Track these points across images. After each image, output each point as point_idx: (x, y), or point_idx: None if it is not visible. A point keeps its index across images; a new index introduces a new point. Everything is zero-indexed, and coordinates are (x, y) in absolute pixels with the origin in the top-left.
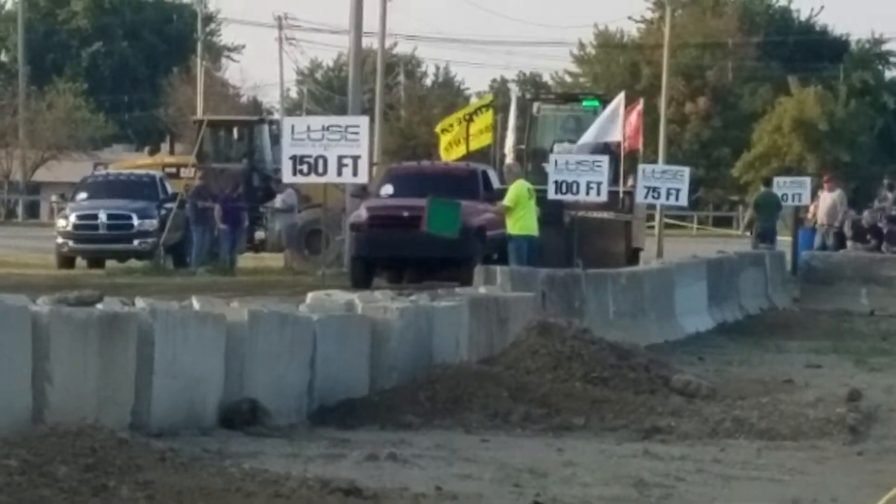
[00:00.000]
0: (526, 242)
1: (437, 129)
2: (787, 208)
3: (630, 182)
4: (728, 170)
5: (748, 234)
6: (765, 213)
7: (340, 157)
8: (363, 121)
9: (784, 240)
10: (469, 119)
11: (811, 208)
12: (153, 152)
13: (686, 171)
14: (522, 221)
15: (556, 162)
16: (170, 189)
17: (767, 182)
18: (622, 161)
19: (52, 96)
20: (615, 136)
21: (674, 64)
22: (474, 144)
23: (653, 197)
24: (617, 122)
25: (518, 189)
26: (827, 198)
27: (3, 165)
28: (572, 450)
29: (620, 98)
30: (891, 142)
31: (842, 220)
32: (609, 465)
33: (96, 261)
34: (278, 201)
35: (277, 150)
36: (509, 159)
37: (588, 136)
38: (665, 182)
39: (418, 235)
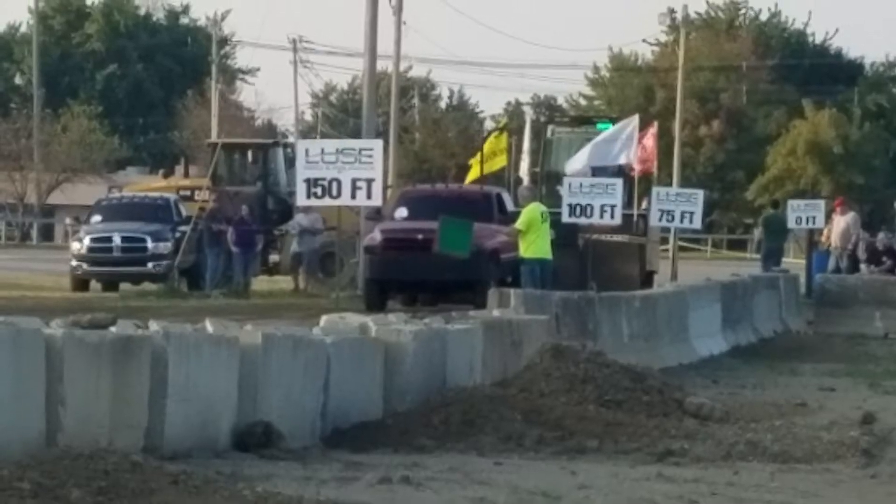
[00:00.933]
0: (539, 266)
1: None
2: (801, 231)
3: (644, 205)
4: (742, 193)
5: (757, 255)
6: (772, 235)
7: (354, 180)
8: (377, 144)
9: (797, 262)
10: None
11: (825, 231)
12: (167, 175)
13: (700, 194)
14: (535, 245)
15: (570, 185)
16: (184, 212)
17: (775, 204)
18: (636, 184)
19: (67, 119)
20: (629, 158)
21: (688, 87)
22: (489, 167)
23: (667, 220)
24: (632, 144)
25: (531, 212)
26: (840, 221)
27: (18, 188)
28: (586, 473)
29: (634, 121)
30: None
31: (855, 243)
32: (623, 488)
33: (110, 283)
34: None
35: (292, 173)
36: (524, 182)
37: (598, 159)
38: (679, 205)
39: (432, 258)
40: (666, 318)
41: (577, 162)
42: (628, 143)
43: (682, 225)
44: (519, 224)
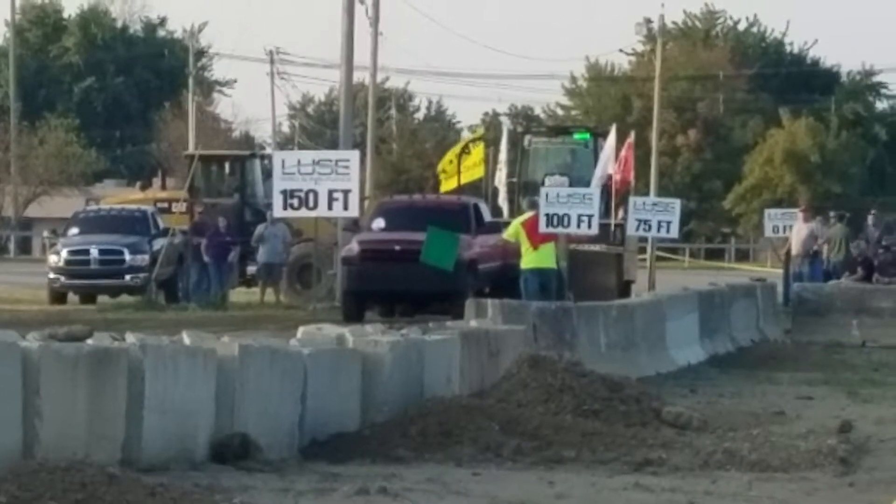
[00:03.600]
0: (533, 276)
1: (439, 170)
2: (778, 240)
3: (621, 214)
4: (720, 202)
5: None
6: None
7: (331, 191)
8: (353, 155)
9: (775, 272)
10: (462, 152)
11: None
12: (145, 187)
13: (677, 203)
14: (526, 255)
15: (546, 195)
16: (161, 224)
17: (841, 217)
18: (613, 194)
19: (44, 132)
20: (609, 169)
21: (665, 96)
22: (466, 177)
23: (644, 229)
24: (610, 154)
25: (517, 223)
26: (803, 228)
27: None
28: (563, 483)
29: (612, 131)
30: (882, 173)
31: (818, 250)
32: (600, 497)
33: (88, 296)
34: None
35: (269, 185)
36: (501, 192)
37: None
38: (656, 214)
39: (410, 269)
40: (643, 327)
41: (598, 179)
42: (607, 152)
43: (660, 234)
44: (506, 234)
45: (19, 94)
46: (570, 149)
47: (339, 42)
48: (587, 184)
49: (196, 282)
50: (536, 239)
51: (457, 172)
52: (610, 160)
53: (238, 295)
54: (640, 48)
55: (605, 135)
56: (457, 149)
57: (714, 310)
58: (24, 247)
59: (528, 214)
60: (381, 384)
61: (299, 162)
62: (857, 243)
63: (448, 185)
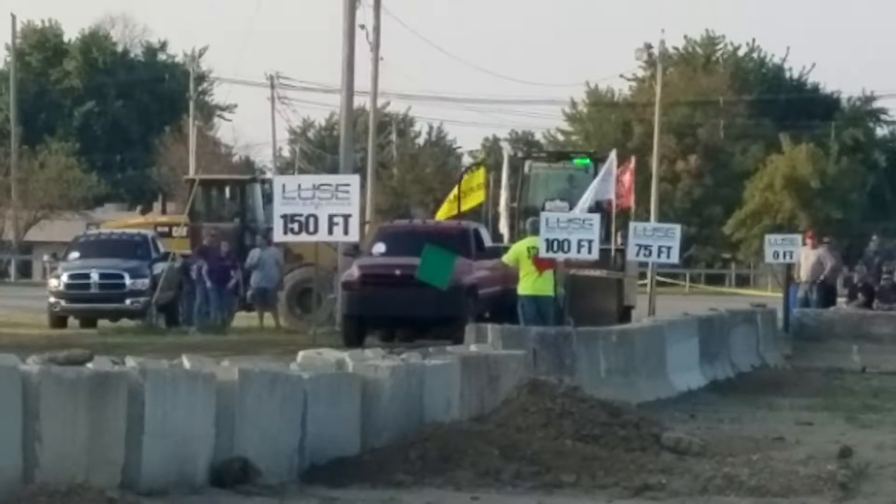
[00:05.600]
0: (530, 302)
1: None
2: (779, 266)
3: (619, 241)
4: (720, 227)
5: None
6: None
7: (331, 216)
8: (354, 179)
9: (775, 296)
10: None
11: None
12: (145, 211)
13: (677, 228)
14: (524, 281)
15: (547, 220)
16: (161, 248)
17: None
18: (614, 219)
19: (45, 156)
20: (608, 194)
21: (665, 122)
22: (467, 203)
23: (644, 255)
24: (610, 180)
25: (517, 247)
26: (810, 254)
27: None
28: None
29: (612, 156)
30: (882, 199)
31: (828, 276)
32: None
33: (88, 320)
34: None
35: (269, 209)
36: (503, 218)
37: (588, 199)
38: (657, 240)
39: (410, 294)
40: (643, 352)
41: (585, 202)
42: (607, 177)
43: (660, 260)
44: (505, 258)
45: (20, 118)
46: (571, 174)
47: (340, 67)
48: (588, 209)
49: (200, 304)
50: (542, 265)
51: (457, 198)
52: (607, 185)
53: (238, 319)
54: (640, 74)
55: (605, 160)
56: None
57: (714, 335)
58: (25, 271)
59: (529, 239)
60: (381, 409)
61: (300, 186)
62: (859, 269)
63: (449, 211)
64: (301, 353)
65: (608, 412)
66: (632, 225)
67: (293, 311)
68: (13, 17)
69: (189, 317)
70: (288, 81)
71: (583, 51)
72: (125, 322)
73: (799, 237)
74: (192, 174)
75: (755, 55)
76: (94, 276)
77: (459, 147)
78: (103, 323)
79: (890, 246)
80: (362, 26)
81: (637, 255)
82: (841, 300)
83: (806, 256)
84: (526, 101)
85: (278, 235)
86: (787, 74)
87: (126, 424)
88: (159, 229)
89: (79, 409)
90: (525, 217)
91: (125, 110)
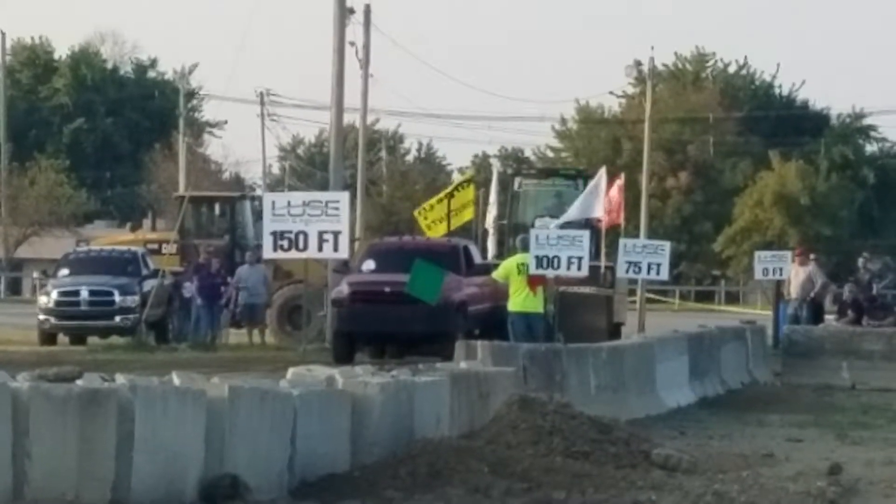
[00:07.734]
0: (520, 319)
1: (415, 213)
2: (768, 282)
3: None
4: (710, 244)
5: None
6: None
7: (321, 233)
8: (343, 196)
9: (765, 314)
10: (450, 196)
11: (786, 282)
12: (135, 228)
13: (667, 245)
14: (514, 298)
15: (537, 237)
16: (151, 265)
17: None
18: (603, 236)
19: (34, 173)
20: (597, 211)
21: (655, 139)
22: (456, 220)
23: (634, 272)
24: (599, 196)
25: (508, 264)
26: (800, 272)
27: None
28: None
29: (602, 173)
30: (871, 216)
31: (818, 293)
32: None
33: (78, 337)
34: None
35: (259, 226)
36: (491, 234)
37: (571, 214)
38: (646, 257)
39: (400, 311)
40: (633, 369)
41: (572, 213)
42: (597, 194)
43: (650, 276)
44: (495, 275)
45: (9, 135)
46: (560, 191)
47: (330, 84)
48: (578, 226)
49: (195, 321)
50: (535, 282)
51: (447, 215)
52: (596, 201)
53: (227, 336)
54: (630, 90)
55: (594, 177)
56: (440, 195)
57: (704, 352)
58: (15, 288)
59: (520, 255)
60: (371, 425)
61: (289, 203)
62: (849, 286)
63: (439, 228)
64: (291, 370)
65: (598, 429)
66: (622, 242)
67: (283, 327)
68: (3, 34)
69: (180, 334)
70: (278, 98)
71: (572, 68)
72: (115, 339)
73: (789, 254)
74: (181, 191)
75: (745, 72)
76: (84, 293)
77: (449, 164)
78: (93, 340)
79: (881, 263)
80: (352, 43)
81: (627, 271)
82: (829, 317)
83: (795, 273)
84: (516, 118)
85: (268, 252)
86: (777, 91)
87: (116, 441)
88: (149, 246)
89: (68, 426)
90: (515, 233)
91: (115, 127)
